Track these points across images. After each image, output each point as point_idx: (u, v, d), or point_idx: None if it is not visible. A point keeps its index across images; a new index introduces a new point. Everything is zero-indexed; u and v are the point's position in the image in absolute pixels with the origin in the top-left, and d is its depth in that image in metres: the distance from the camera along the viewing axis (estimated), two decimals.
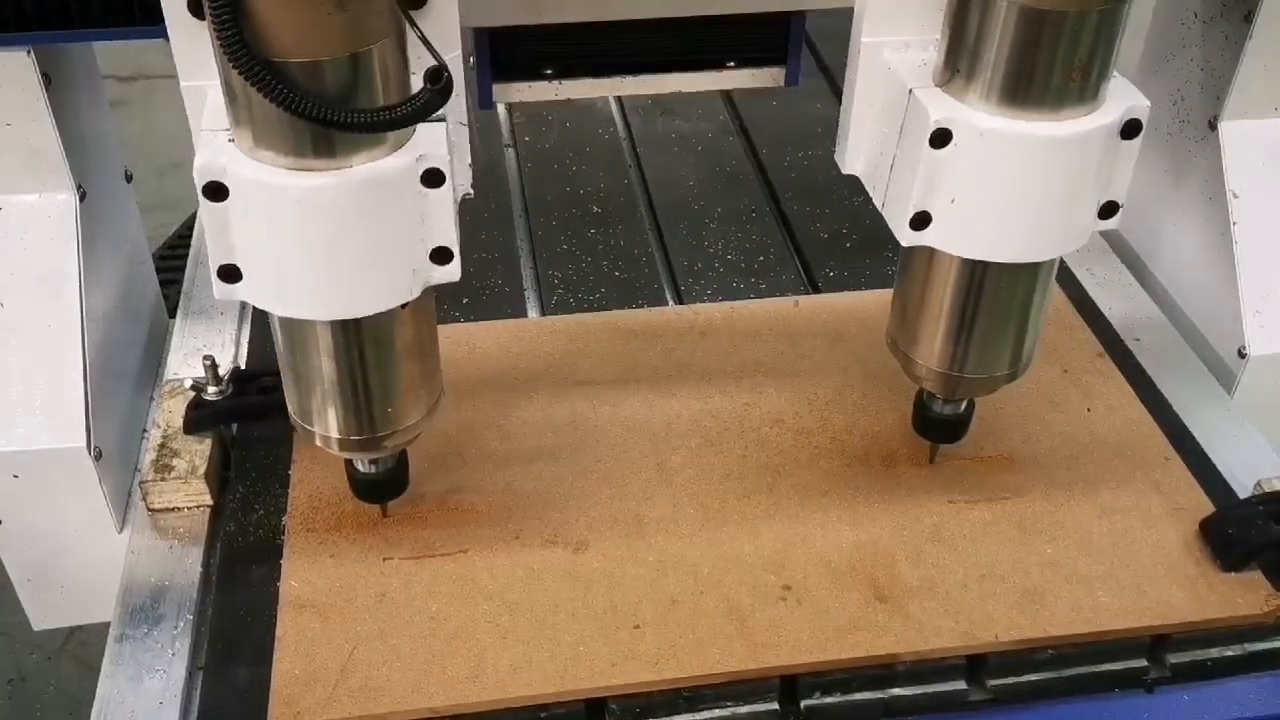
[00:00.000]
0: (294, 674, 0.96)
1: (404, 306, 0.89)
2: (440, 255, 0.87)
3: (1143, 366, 1.30)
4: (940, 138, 0.88)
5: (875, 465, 1.16)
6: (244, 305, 1.39)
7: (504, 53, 1.04)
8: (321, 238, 0.81)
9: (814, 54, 1.83)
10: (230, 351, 1.33)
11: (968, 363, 1.02)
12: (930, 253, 0.96)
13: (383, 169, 0.80)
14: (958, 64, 0.88)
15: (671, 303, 1.40)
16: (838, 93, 1.77)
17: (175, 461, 1.14)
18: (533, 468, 1.15)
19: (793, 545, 1.08)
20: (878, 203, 0.98)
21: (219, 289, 0.86)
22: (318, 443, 0.98)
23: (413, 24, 0.79)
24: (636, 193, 1.59)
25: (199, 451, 1.15)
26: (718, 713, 0.98)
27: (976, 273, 0.97)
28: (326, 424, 0.96)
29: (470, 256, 1.44)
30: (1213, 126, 1.34)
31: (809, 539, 1.08)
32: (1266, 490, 1.11)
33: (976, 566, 1.06)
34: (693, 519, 1.10)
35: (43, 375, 1.15)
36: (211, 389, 1.16)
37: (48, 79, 1.13)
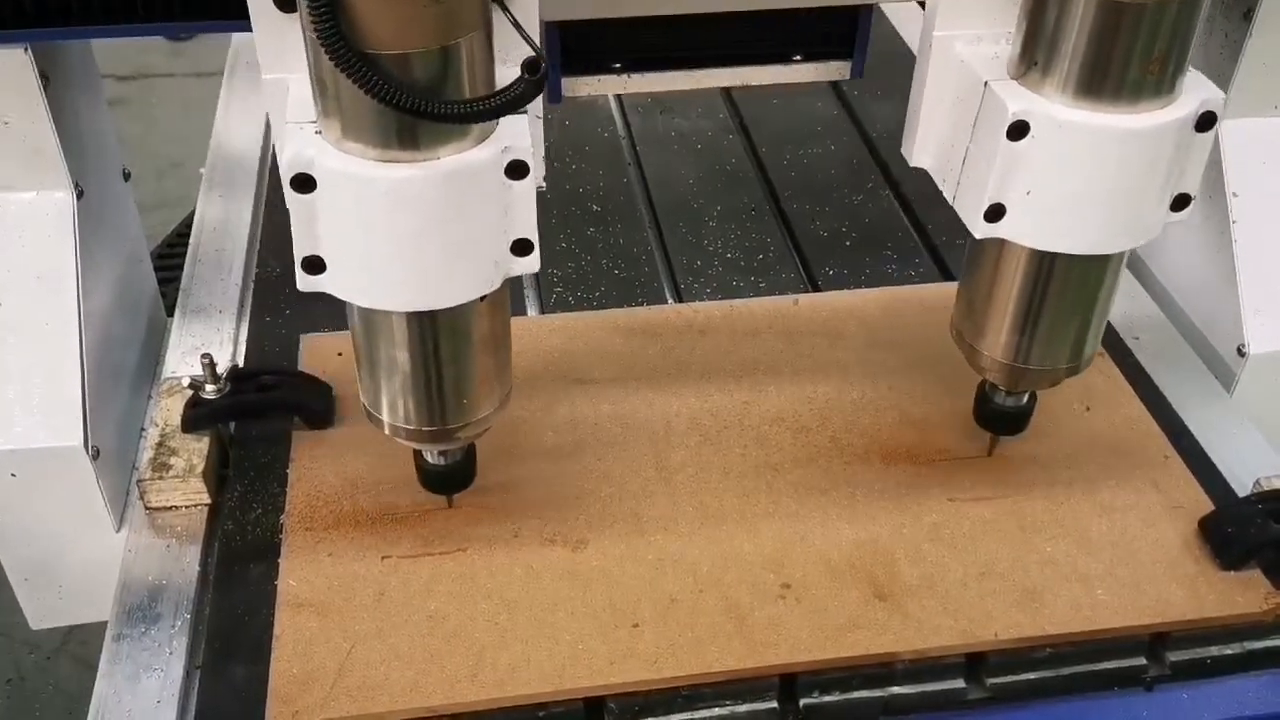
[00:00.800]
0: (291, 673, 0.96)
1: (483, 298, 0.89)
2: (521, 247, 0.87)
3: (1142, 365, 1.30)
4: (1018, 130, 0.88)
5: (875, 463, 1.16)
6: (243, 302, 1.39)
7: (574, 46, 1.04)
8: (408, 229, 0.81)
9: None
10: (229, 350, 1.33)
11: (1032, 355, 1.02)
12: (1000, 245, 0.96)
13: (469, 161, 0.80)
14: (1035, 56, 0.88)
15: (671, 301, 1.40)
16: (838, 91, 1.79)
17: (173, 460, 1.14)
18: (532, 466, 1.15)
19: (792, 544, 1.08)
20: (948, 195, 0.98)
21: (303, 280, 0.85)
22: (387, 432, 0.98)
23: (507, 12, 0.79)
24: (636, 191, 1.59)
25: (197, 450, 1.15)
26: (716, 711, 0.98)
27: (1046, 265, 0.96)
28: (399, 414, 0.96)
29: None
30: None
31: (808, 537, 1.08)
32: (1266, 489, 1.11)
33: (976, 565, 1.06)
34: (691, 517, 1.10)
35: (40, 374, 1.15)
36: (209, 387, 1.16)
37: (45, 77, 1.13)
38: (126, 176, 1.39)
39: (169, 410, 1.19)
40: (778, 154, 1.65)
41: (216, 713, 0.96)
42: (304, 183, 0.80)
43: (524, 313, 1.38)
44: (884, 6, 1.53)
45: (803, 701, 0.99)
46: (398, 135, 0.78)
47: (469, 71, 0.78)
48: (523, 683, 0.96)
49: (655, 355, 1.28)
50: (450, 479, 1.07)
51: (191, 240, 1.50)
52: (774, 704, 0.99)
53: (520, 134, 0.82)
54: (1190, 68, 0.88)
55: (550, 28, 1.01)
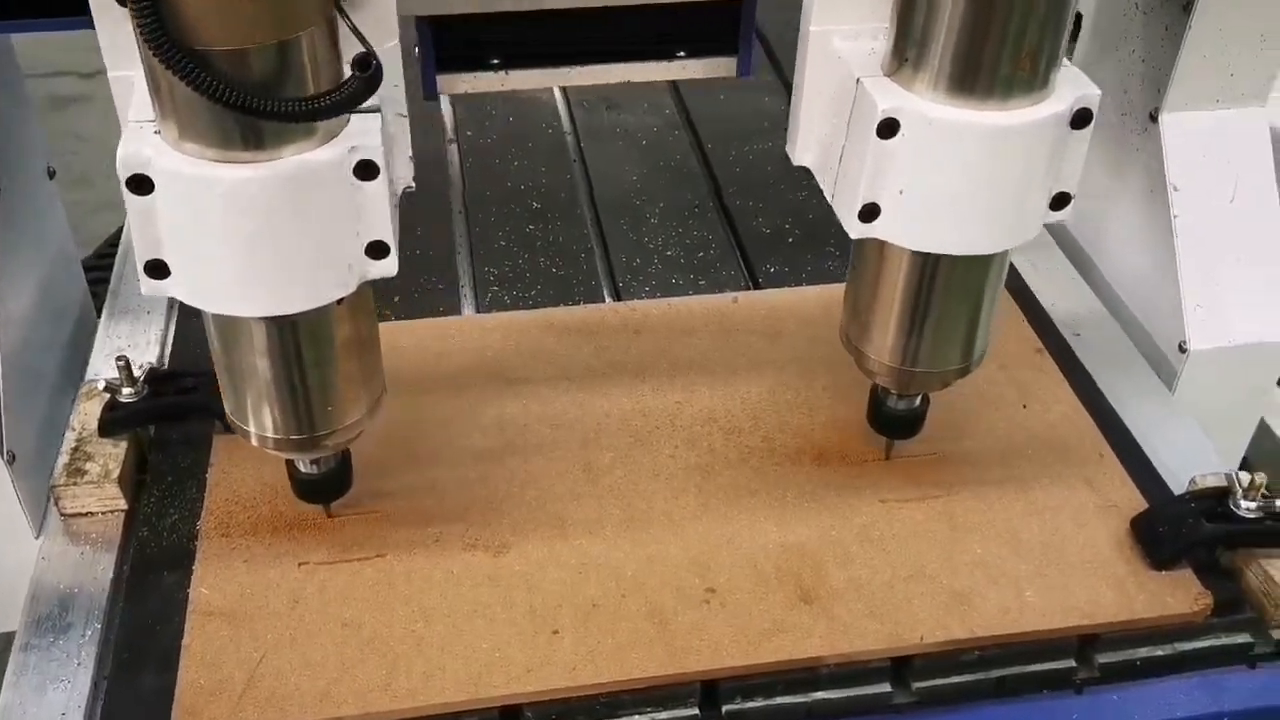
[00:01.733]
0: (199, 684, 0.94)
1: (340, 302, 0.87)
2: (376, 250, 0.85)
3: (1082, 362, 1.29)
4: (888, 128, 0.86)
5: (806, 464, 1.14)
6: (171, 303, 1.37)
7: (448, 42, 1.02)
8: (250, 232, 0.79)
9: (764, 46, 1.80)
10: (155, 351, 1.30)
11: (920, 358, 1.01)
12: (881, 246, 0.94)
13: (312, 161, 0.78)
14: (905, 53, 0.86)
15: (609, 300, 1.37)
16: (787, 86, 1.76)
17: (88, 465, 1.11)
18: (457, 470, 1.12)
19: (719, 546, 1.06)
20: (828, 194, 0.96)
21: (146, 285, 0.83)
22: (254, 443, 0.96)
23: (342, 12, 0.76)
24: (579, 188, 1.57)
25: (113, 455, 1.12)
26: (637, 719, 0.96)
27: (927, 266, 0.95)
28: (263, 424, 0.94)
29: (405, 254, 1.41)
30: (1154, 119, 1.32)
31: (735, 540, 1.06)
32: (1201, 487, 1.09)
33: (905, 567, 1.04)
34: (617, 520, 1.08)
35: None
36: (126, 390, 1.13)
37: None
38: (51, 175, 1.36)
39: (87, 414, 1.16)
40: (724, 150, 1.63)
41: None
42: (140, 184, 0.78)
43: (459, 312, 1.35)
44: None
45: (725, 708, 0.97)
46: (236, 135, 0.76)
47: (310, 69, 0.75)
48: (436, 691, 0.94)
49: (589, 355, 1.26)
50: (323, 488, 1.04)
51: (122, 241, 1.47)
52: (695, 710, 0.97)
53: (370, 132, 0.80)
54: (1067, 63, 0.87)
55: (422, 23, 0.98)
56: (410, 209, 1.50)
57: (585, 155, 1.63)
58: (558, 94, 1.75)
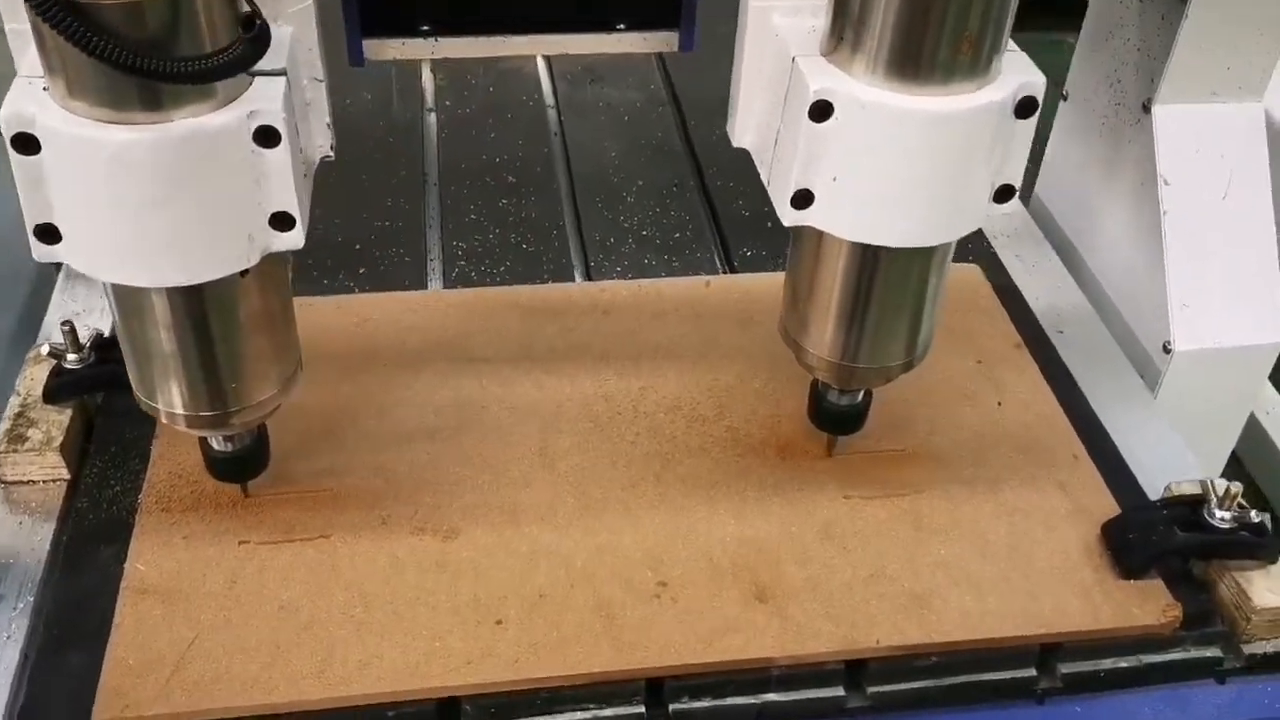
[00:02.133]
0: (127, 663, 0.90)
1: (245, 274, 0.83)
2: (280, 221, 0.81)
3: (1063, 360, 1.25)
4: (820, 110, 0.82)
5: (770, 456, 1.11)
6: None
7: (375, 6, 0.97)
8: (139, 198, 0.75)
9: None
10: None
11: (860, 352, 0.97)
12: (818, 235, 0.90)
13: (206, 125, 0.74)
14: (843, 32, 0.82)
15: (579, 279, 1.34)
16: None
17: (30, 432, 1.08)
18: (409, 450, 1.09)
19: (674, 539, 1.02)
20: (764, 178, 0.92)
21: (37, 249, 0.80)
22: (163, 419, 0.93)
23: None
24: (556, 162, 1.53)
25: (57, 422, 1.09)
26: (579, 715, 0.93)
27: (866, 257, 0.91)
28: (170, 399, 0.91)
29: (373, 224, 1.39)
30: (1146, 109, 1.28)
31: (692, 533, 1.03)
32: (1175, 494, 1.06)
33: (865, 566, 1.01)
34: (571, 508, 1.05)
35: None
36: (71, 356, 1.10)
37: None
38: None
39: (33, 379, 1.12)
40: (708, 128, 1.59)
41: (44, 703, 0.90)
42: (26, 143, 0.74)
43: (425, 286, 1.32)
44: None
45: (671, 706, 0.94)
46: (124, 94, 0.72)
47: (198, 27, 0.71)
48: (372, 680, 0.91)
49: (553, 335, 1.22)
50: (239, 465, 1.01)
51: None
52: (641, 708, 0.93)
53: (272, 97, 0.76)
54: (1014, 49, 0.83)
55: None
56: (382, 178, 1.48)
57: (565, 129, 1.59)
58: (541, 65, 1.71)
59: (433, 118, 1.61)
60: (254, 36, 0.71)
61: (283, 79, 0.79)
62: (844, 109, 0.82)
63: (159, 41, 0.70)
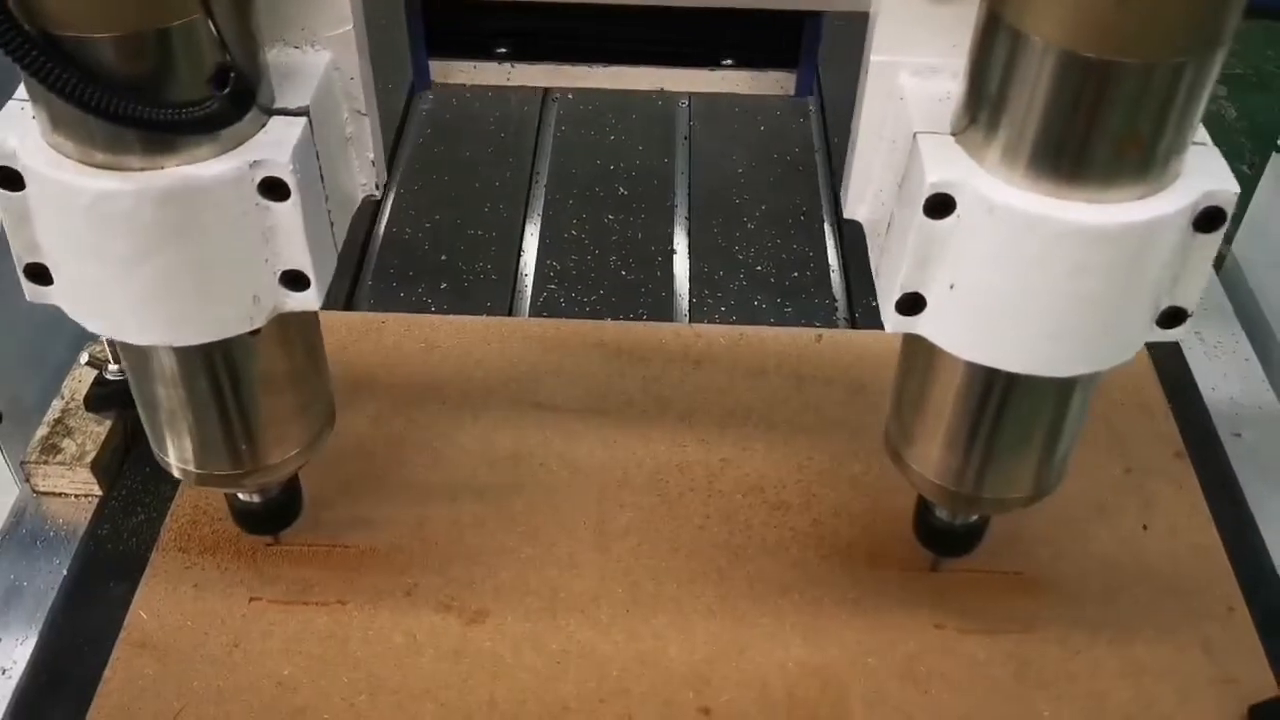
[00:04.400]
0: None
1: (255, 334, 0.73)
2: (293, 280, 0.70)
3: (1235, 474, 1.05)
4: (939, 205, 0.66)
5: (858, 563, 0.95)
6: None
7: (446, 24, 0.85)
8: (123, 251, 0.66)
9: None
10: None
11: (972, 480, 0.81)
12: (931, 343, 0.74)
13: (198, 175, 0.64)
14: (977, 110, 0.65)
15: (676, 315, 1.20)
16: None
17: (65, 443, 1.02)
18: (452, 508, 0.98)
19: (727, 656, 0.89)
20: (873, 265, 0.76)
21: (29, 290, 0.72)
22: (176, 474, 0.84)
23: (207, 9, 0.60)
24: (676, 174, 1.38)
25: (94, 435, 1.02)
26: None
27: (987, 378, 0.74)
28: (181, 454, 0.82)
29: (465, 233, 1.28)
30: None
31: (749, 650, 0.89)
32: None
33: (948, 719, 0.85)
34: (618, 601, 0.92)
35: None
36: (112, 367, 1.03)
37: None
38: None
39: (79, 382, 1.06)
40: None
41: None
42: (8, 179, 0.65)
43: (507, 309, 1.20)
44: None
45: None
46: (110, 135, 0.62)
47: (173, 67, 0.60)
48: None
49: (634, 385, 1.09)
50: (262, 519, 0.92)
51: None
52: None
53: (283, 144, 0.65)
54: (1203, 140, 0.65)
55: (414, 2, 0.82)
56: (487, 177, 1.37)
57: (694, 134, 1.44)
58: None
59: (554, 110, 1.48)
60: (230, 93, 0.60)
61: (302, 121, 0.67)
62: (968, 207, 0.65)
63: (124, 81, 0.59)
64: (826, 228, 1.30)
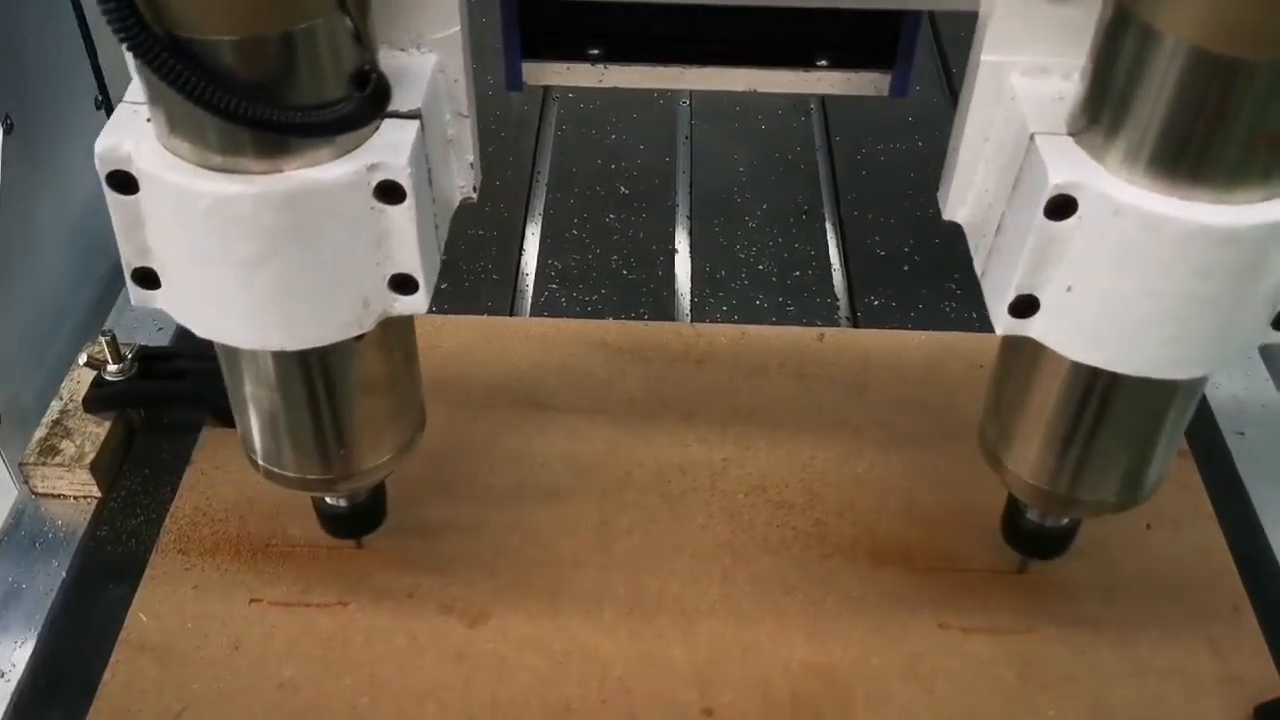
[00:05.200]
0: None
1: (360, 338, 0.72)
2: (402, 284, 0.70)
3: (1239, 474, 1.04)
4: (1061, 207, 0.65)
5: (861, 563, 0.95)
6: None
7: (540, 24, 0.85)
8: (240, 255, 0.65)
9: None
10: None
11: (1068, 482, 0.80)
12: (1038, 343, 0.73)
13: (319, 179, 0.63)
14: (1099, 110, 0.64)
15: (678, 315, 1.19)
16: (948, 72, 1.52)
17: (64, 444, 1.01)
18: (454, 509, 0.98)
19: (730, 656, 0.88)
20: (978, 268, 0.75)
21: (135, 294, 0.71)
22: (263, 476, 0.83)
23: (345, 8, 0.59)
24: (678, 174, 1.38)
25: (93, 436, 1.02)
26: None
27: (1095, 381, 0.74)
28: (276, 458, 0.81)
29: (466, 232, 1.28)
30: None
31: (753, 650, 0.89)
32: None
33: (952, 719, 0.85)
34: (620, 601, 0.92)
35: None
36: (111, 367, 1.02)
37: None
38: (99, 105, 1.25)
39: (78, 384, 1.06)
40: (854, 144, 1.41)
41: None
42: (122, 182, 0.65)
43: (508, 308, 1.20)
44: None
45: None
46: (229, 139, 0.61)
47: (312, 70, 0.60)
48: None
49: (636, 385, 1.09)
50: (349, 524, 0.91)
51: None
52: None
53: (399, 147, 0.64)
54: None
55: (509, 2, 0.82)
56: (487, 177, 1.36)
57: (694, 134, 1.43)
58: None
59: (554, 110, 1.48)
60: (368, 95, 0.60)
61: (415, 124, 0.66)
62: (1091, 208, 0.64)
63: (256, 84, 0.59)
64: (828, 226, 1.30)
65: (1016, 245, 0.68)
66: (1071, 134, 0.66)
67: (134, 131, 0.64)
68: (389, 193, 0.65)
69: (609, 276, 1.23)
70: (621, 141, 1.42)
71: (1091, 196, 0.64)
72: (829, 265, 1.25)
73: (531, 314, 1.19)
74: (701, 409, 1.07)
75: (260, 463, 0.82)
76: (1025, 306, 0.69)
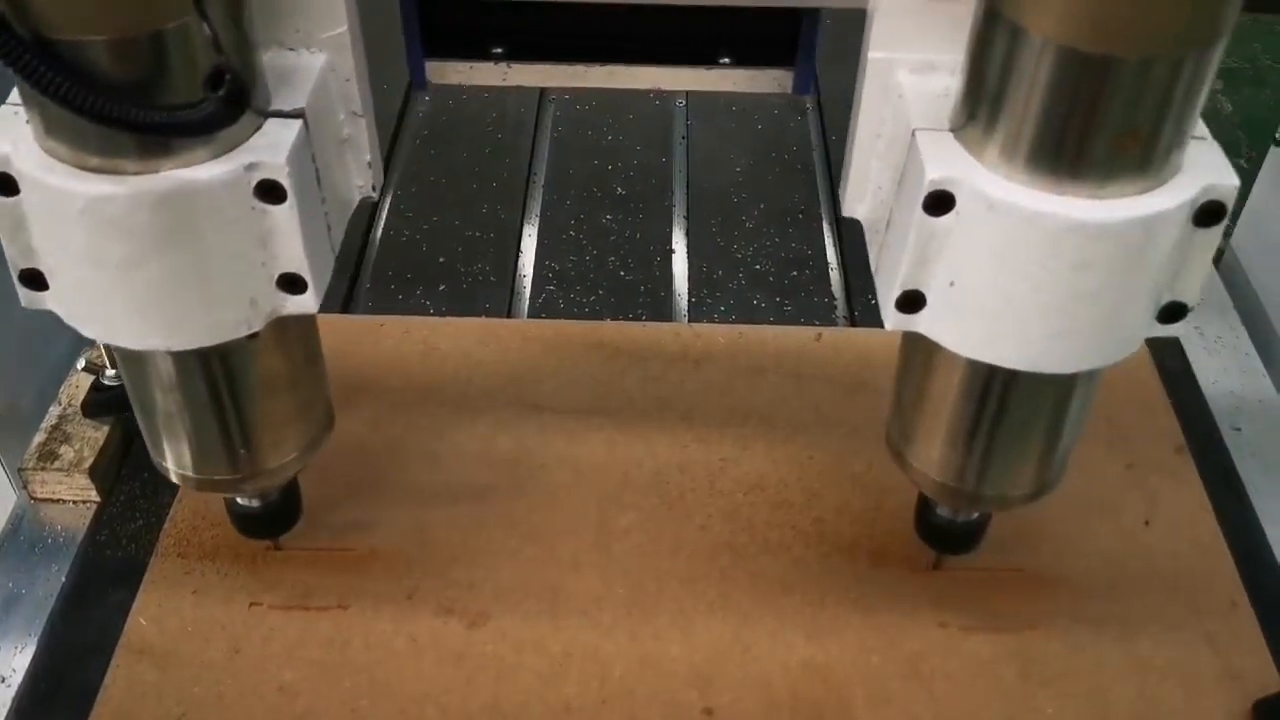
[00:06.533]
0: None
1: (253, 337, 0.73)
2: (291, 283, 0.70)
3: (1237, 469, 1.04)
4: (938, 202, 0.65)
5: (860, 562, 0.95)
6: None
7: (441, 23, 0.85)
8: (119, 255, 0.65)
9: None
10: None
11: (972, 478, 0.80)
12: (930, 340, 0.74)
13: (192, 179, 0.63)
14: (976, 106, 0.65)
15: (676, 317, 1.19)
16: None
17: (63, 449, 1.01)
18: (453, 510, 0.98)
19: (730, 655, 0.88)
20: (872, 263, 0.76)
21: (24, 296, 0.71)
22: (174, 479, 0.83)
23: (201, 10, 0.60)
24: (675, 174, 1.38)
25: (92, 440, 1.02)
26: None
27: (987, 375, 0.74)
28: (179, 459, 0.82)
29: (463, 234, 1.28)
30: None
31: (753, 649, 0.89)
32: None
33: (952, 718, 0.85)
34: (619, 602, 0.92)
35: None
36: (110, 372, 1.02)
37: None
38: None
39: (77, 388, 1.06)
40: None
41: None
42: (3, 184, 0.65)
43: (506, 310, 1.20)
44: None
45: None
46: (104, 138, 0.61)
47: (162, 70, 0.60)
48: None
49: (634, 385, 1.09)
50: (260, 524, 0.91)
51: None
52: None
53: (279, 146, 0.64)
54: (1203, 135, 0.64)
55: (410, 2, 0.82)
56: (484, 178, 1.37)
57: (691, 133, 1.43)
58: None
59: (550, 110, 1.48)
60: (222, 96, 0.59)
61: (298, 123, 0.67)
62: (967, 204, 0.65)
63: (112, 84, 0.59)
64: (825, 226, 1.30)
65: (901, 241, 0.69)
66: (953, 130, 0.67)
67: (13, 133, 0.65)
68: (270, 192, 0.65)
69: (606, 277, 1.23)
70: (618, 142, 1.42)
71: (968, 192, 0.64)
72: (826, 265, 1.25)
73: (529, 315, 1.19)
74: (699, 409, 1.07)
75: (166, 465, 0.82)
76: (912, 302, 0.70)
